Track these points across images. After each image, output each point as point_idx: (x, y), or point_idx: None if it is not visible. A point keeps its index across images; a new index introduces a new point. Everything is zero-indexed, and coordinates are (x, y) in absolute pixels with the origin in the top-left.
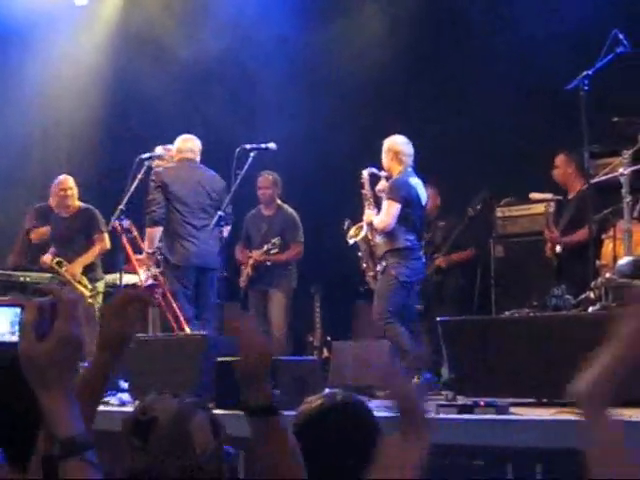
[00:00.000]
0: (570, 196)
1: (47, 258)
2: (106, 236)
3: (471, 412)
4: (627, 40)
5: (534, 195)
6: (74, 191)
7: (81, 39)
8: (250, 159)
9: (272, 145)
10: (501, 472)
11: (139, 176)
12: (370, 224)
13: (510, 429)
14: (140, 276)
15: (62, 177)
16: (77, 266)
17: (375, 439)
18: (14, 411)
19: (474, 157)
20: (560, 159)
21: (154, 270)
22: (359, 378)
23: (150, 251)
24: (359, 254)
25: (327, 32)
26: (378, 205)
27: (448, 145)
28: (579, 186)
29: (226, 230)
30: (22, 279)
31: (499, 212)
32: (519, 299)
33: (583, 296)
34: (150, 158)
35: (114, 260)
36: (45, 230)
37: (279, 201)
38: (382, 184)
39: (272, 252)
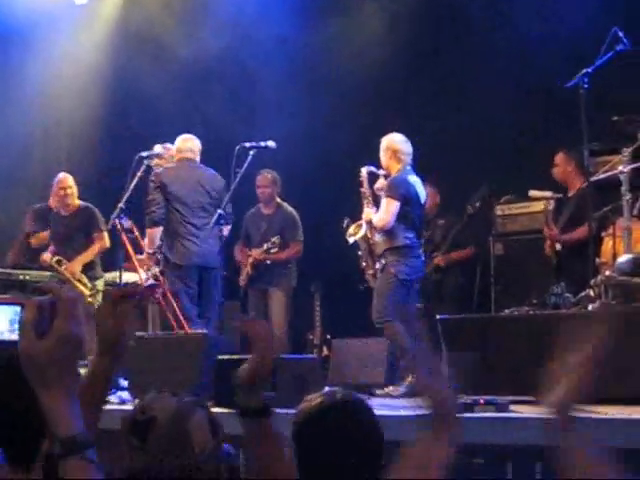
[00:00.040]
0: (570, 194)
1: (46, 256)
2: (105, 235)
3: (471, 410)
4: (627, 38)
5: (534, 193)
6: (74, 190)
7: (81, 38)
8: (249, 157)
9: (271, 143)
10: (501, 471)
11: (138, 174)
12: (369, 222)
13: (510, 427)
14: (140, 276)
15: (62, 176)
16: (76, 264)
17: (375, 437)
18: (14, 411)
19: (473, 155)
20: (560, 157)
21: (155, 270)
22: (359, 376)
23: (150, 251)
24: (359, 253)
25: (326, 31)
26: (377, 203)
27: (448, 143)
28: (579, 184)
29: (226, 229)
30: (22, 277)
31: (499, 210)
32: (519, 297)
33: (583, 294)
34: (149, 157)
35: (114, 258)
36: (45, 235)
37: (278, 200)
38: (381, 182)
39: (272, 251)
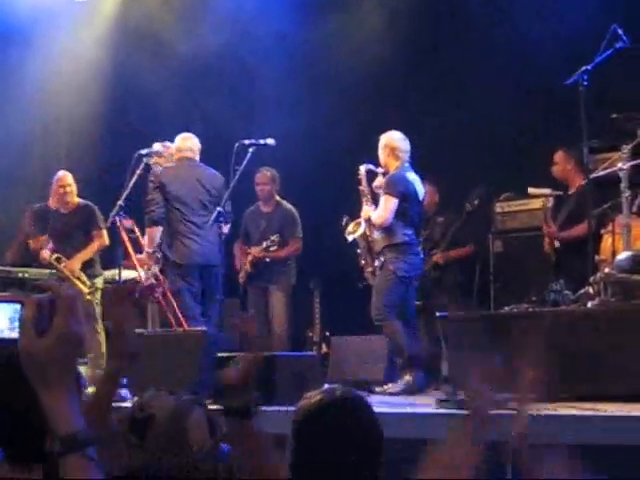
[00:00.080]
0: (570, 192)
1: (46, 254)
2: (105, 232)
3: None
4: (626, 35)
5: (533, 190)
6: (73, 187)
7: (81, 35)
8: (249, 155)
9: (271, 141)
10: (500, 471)
11: (138, 172)
12: (368, 220)
13: (510, 424)
14: (140, 275)
15: (61, 174)
16: (76, 262)
17: (374, 435)
18: (14, 409)
19: (473, 152)
20: (559, 155)
21: (155, 269)
22: (358, 373)
23: (150, 250)
24: (358, 250)
25: (326, 27)
26: (376, 201)
27: (447, 140)
28: (579, 182)
29: (226, 228)
30: (21, 275)
31: (498, 207)
32: (518, 294)
33: (582, 291)
34: (148, 154)
35: (113, 256)
36: (44, 238)
37: (277, 197)
38: (379, 180)
39: (271, 249)
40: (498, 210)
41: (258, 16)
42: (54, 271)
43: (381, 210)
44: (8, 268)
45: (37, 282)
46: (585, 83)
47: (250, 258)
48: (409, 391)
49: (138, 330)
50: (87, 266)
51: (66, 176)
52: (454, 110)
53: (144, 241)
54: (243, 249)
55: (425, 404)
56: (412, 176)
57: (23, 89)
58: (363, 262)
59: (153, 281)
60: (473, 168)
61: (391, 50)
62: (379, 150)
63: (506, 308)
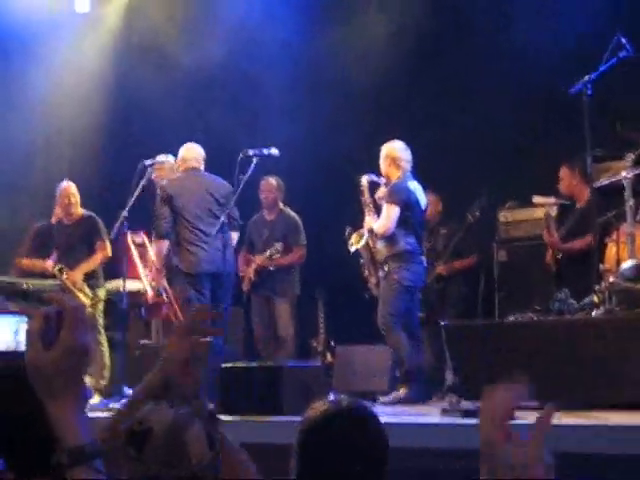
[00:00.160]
0: (578, 206)
1: (48, 265)
2: (108, 244)
3: (475, 416)
4: (630, 44)
5: (537, 199)
6: (77, 198)
7: (83, 46)
8: (252, 165)
9: (274, 151)
10: None
11: (142, 183)
12: (371, 231)
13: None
14: (148, 290)
15: (65, 184)
16: (78, 274)
17: (380, 444)
18: (20, 422)
19: (476, 161)
20: (564, 172)
21: (163, 283)
22: (363, 383)
23: (159, 266)
24: (361, 261)
25: (330, 36)
26: (378, 212)
27: (450, 149)
28: (586, 195)
29: (235, 235)
30: (25, 286)
31: (502, 216)
32: (522, 303)
33: (587, 300)
34: (152, 165)
35: (118, 267)
36: (40, 264)
37: (281, 205)
38: (382, 191)
39: (274, 257)
40: (502, 219)
41: (262, 26)
42: (58, 282)
43: (383, 219)
44: (12, 279)
45: (41, 294)
46: (589, 92)
47: (254, 266)
48: (404, 402)
49: (143, 341)
50: (90, 277)
51: (70, 186)
52: (457, 119)
53: (151, 255)
54: (247, 258)
55: (430, 414)
56: (414, 185)
57: (25, 99)
58: (366, 273)
59: (163, 298)
60: (476, 177)
61: (395, 59)
62: (381, 160)
63: (511, 317)
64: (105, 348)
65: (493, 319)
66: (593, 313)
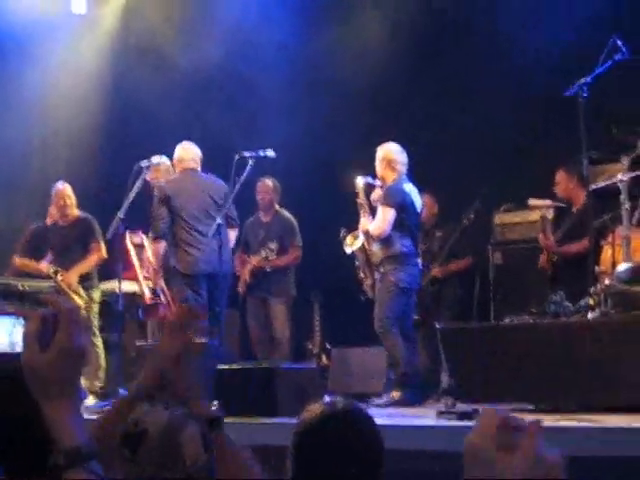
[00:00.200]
0: (574, 209)
1: (43, 266)
2: (103, 246)
3: (471, 419)
4: (626, 47)
5: (533, 201)
6: (72, 200)
7: (80, 48)
8: (249, 167)
9: (271, 153)
10: None
11: (138, 184)
12: (366, 233)
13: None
14: (145, 292)
15: (60, 186)
16: (73, 275)
17: (375, 447)
18: (19, 423)
19: (472, 163)
20: (560, 175)
21: (161, 284)
22: (359, 385)
23: (156, 267)
24: (356, 263)
25: (327, 37)
26: (373, 214)
27: (447, 152)
28: (582, 198)
29: (233, 234)
30: (21, 287)
31: (497, 219)
32: (518, 306)
33: (582, 302)
34: (148, 166)
35: (113, 268)
36: (33, 265)
37: (277, 207)
38: (377, 193)
39: (270, 258)
40: (497, 221)
41: (258, 27)
42: (53, 283)
43: (379, 221)
44: (8, 280)
45: (37, 295)
46: (585, 95)
47: (249, 268)
48: (394, 406)
49: (138, 342)
50: (85, 279)
51: (65, 188)
52: (454, 120)
53: (149, 255)
54: (242, 259)
55: (425, 416)
56: (409, 187)
57: (22, 101)
58: (362, 275)
59: (160, 299)
60: (472, 179)
61: (392, 60)
62: (376, 162)
63: (506, 320)
64: (100, 350)
65: (489, 321)
66: (589, 316)
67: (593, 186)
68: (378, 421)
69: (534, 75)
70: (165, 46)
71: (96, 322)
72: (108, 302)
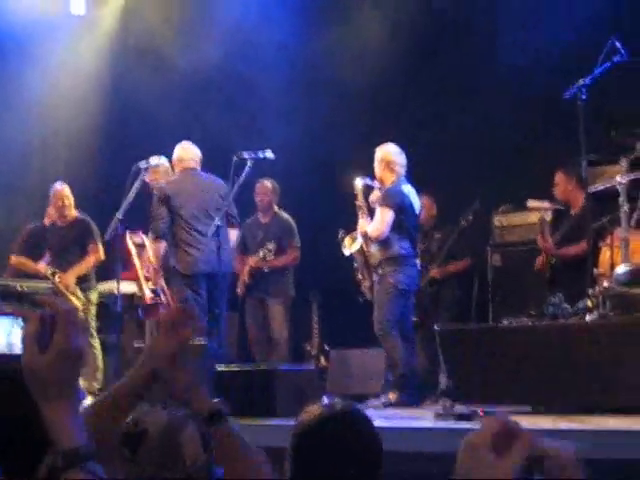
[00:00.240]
0: (573, 211)
1: (41, 267)
2: (100, 247)
3: (469, 420)
4: (624, 49)
5: (532, 203)
6: (71, 200)
7: (79, 48)
8: (247, 168)
9: (269, 154)
10: None
11: (136, 185)
12: (364, 234)
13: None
14: (145, 292)
15: (58, 187)
16: (71, 277)
17: (374, 448)
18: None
19: (471, 164)
20: (559, 177)
21: (162, 283)
22: (357, 387)
23: (157, 266)
24: (354, 265)
25: (326, 38)
26: (372, 216)
27: (446, 153)
28: (581, 200)
29: (234, 233)
30: (19, 288)
31: (496, 221)
32: (516, 307)
33: (581, 304)
34: (147, 167)
35: (111, 269)
36: (29, 265)
37: (276, 208)
38: (375, 194)
39: (268, 258)
40: (496, 223)
41: (258, 28)
42: (51, 284)
43: (377, 223)
44: (6, 281)
45: (35, 296)
46: (583, 97)
47: (247, 268)
48: (391, 407)
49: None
50: (82, 280)
51: (64, 189)
52: (453, 122)
53: (150, 255)
54: (241, 259)
55: (423, 417)
56: (408, 189)
57: (21, 102)
58: (360, 276)
59: (160, 299)
60: (471, 180)
61: (391, 61)
62: (375, 163)
63: (505, 321)
64: (97, 351)
65: (487, 323)
66: (587, 318)
67: (592, 188)
68: (376, 423)
69: (534, 76)
70: (164, 47)
71: (93, 323)
72: (106, 303)
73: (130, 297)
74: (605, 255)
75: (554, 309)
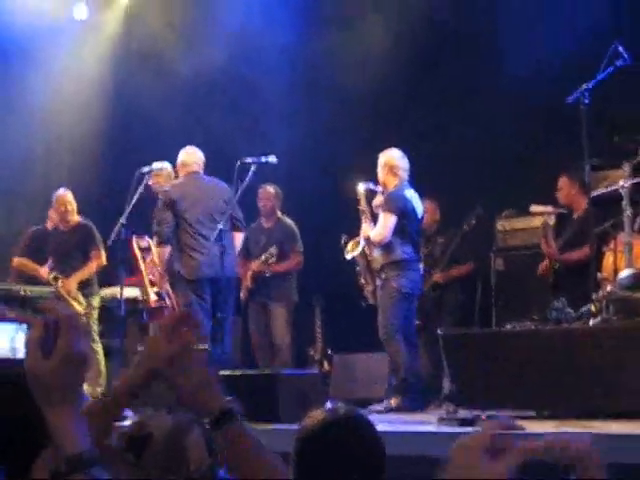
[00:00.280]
0: (575, 215)
1: (44, 272)
2: (102, 252)
3: (472, 425)
4: (627, 53)
5: (535, 207)
6: (73, 206)
7: (82, 53)
8: (250, 173)
9: (272, 159)
10: None
11: (139, 190)
12: (367, 239)
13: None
14: (150, 294)
15: (61, 192)
16: (73, 282)
17: (377, 453)
18: (21, 428)
19: (474, 169)
20: (563, 181)
21: (167, 287)
22: (361, 391)
23: (162, 270)
24: (357, 269)
25: (329, 42)
26: (375, 220)
27: (449, 157)
28: (584, 205)
29: (239, 237)
30: (22, 293)
31: (499, 225)
32: (520, 312)
33: (584, 309)
34: (149, 172)
35: (115, 274)
36: (31, 266)
37: (279, 213)
38: (379, 199)
39: (270, 261)
40: (499, 228)
41: (260, 31)
42: (54, 289)
43: (380, 227)
44: (9, 286)
45: (38, 300)
46: (586, 101)
47: (250, 273)
48: (393, 412)
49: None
50: (84, 285)
51: (66, 194)
52: (455, 127)
53: (155, 259)
54: (243, 264)
55: (427, 422)
56: (410, 193)
57: (25, 107)
58: (362, 281)
59: (165, 302)
60: (474, 185)
61: (394, 68)
62: (378, 168)
63: (508, 326)
64: (100, 355)
65: (490, 327)
66: (590, 322)
67: (594, 193)
68: (380, 427)
69: (535, 85)
70: (167, 51)
71: (96, 328)
72: (109, 308)
73: (134, 301)
74: (608, 260)
75: (557, 314)
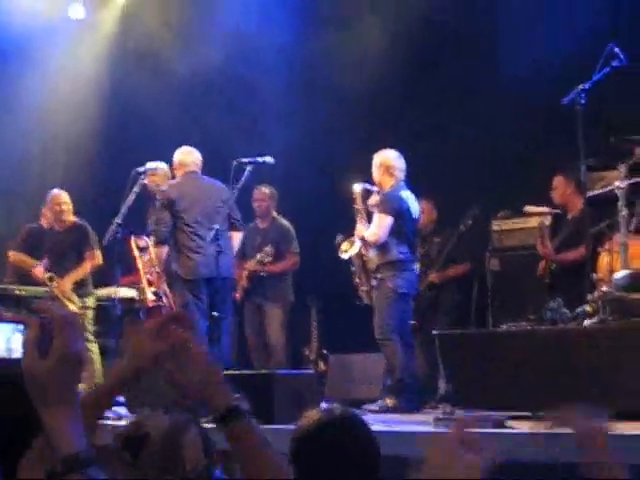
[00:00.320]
0: (570, 216)
1: (39, 271)
2: (98, 253)
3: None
4: (623, 54)
5: (529, 208)
6: (69, 206)
7: (79, 52)
8: (247, 173)
9: (269, 159)
10: None
11: (135, 190)
12: (362, 239)
13: (507, 443)
14: (147, 294)
15: (56, 192)
16: (67, 282)
17: (372, 453)
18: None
19: (471, 169)
20: (558, 180)
21: (164, 287)
22: (356, 392)
23: (159, 270)
24: (352, 269)
25: (326, 42)
26: (370, 220)
27: (445, 158)
28: (579, 205)
29: (239, 236)
30: (17, 292)
31: (495, 225)
32: (515, 312)
33: (580, 309)
34: (145, 172)
35: (111, 274)
36: (28, 261)
37: (274, 214)
38: (374, 199)
39: (265, 261)
40: (495, 228)
41: (258, 31)
42: (48, 289)
43: (375, 228)
44: (5, 285)
45: (33, 301)
46: (582, 102)
47: (245, 273)
48: (388, 413)
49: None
50: (79, 285)
51: (61, 194)
52: (453, 127)
53: (153, 259)
54: (239, 264)
55: (423, 422)
56: (406, 194)
57: (21, 106)
58: (357, 281)
59: (162, 301)
60: (471, 185)
61: (391, 68)
62: (374, 168)
63: (504, 326)
64: (96, 356)
65: (486, 328)
66: (586, 322)
67: (590, 193)
68: (375, 427)
69: (534, 86)
70: (163, 51)
71: (91, 328)
72: (105, 307)
73: (130, 301)
74: (604, 260)
75: (553, 314)
